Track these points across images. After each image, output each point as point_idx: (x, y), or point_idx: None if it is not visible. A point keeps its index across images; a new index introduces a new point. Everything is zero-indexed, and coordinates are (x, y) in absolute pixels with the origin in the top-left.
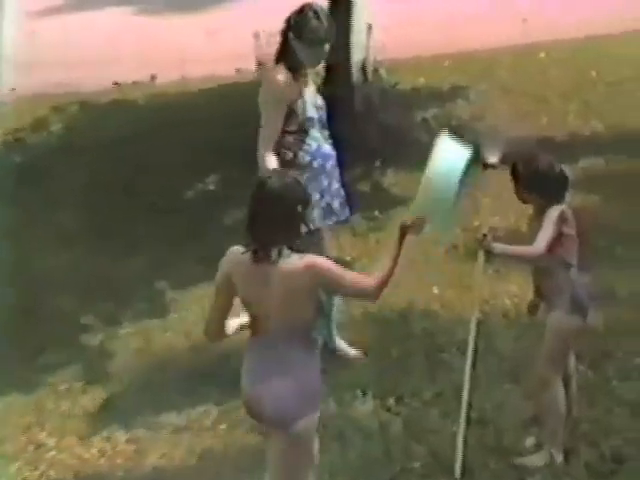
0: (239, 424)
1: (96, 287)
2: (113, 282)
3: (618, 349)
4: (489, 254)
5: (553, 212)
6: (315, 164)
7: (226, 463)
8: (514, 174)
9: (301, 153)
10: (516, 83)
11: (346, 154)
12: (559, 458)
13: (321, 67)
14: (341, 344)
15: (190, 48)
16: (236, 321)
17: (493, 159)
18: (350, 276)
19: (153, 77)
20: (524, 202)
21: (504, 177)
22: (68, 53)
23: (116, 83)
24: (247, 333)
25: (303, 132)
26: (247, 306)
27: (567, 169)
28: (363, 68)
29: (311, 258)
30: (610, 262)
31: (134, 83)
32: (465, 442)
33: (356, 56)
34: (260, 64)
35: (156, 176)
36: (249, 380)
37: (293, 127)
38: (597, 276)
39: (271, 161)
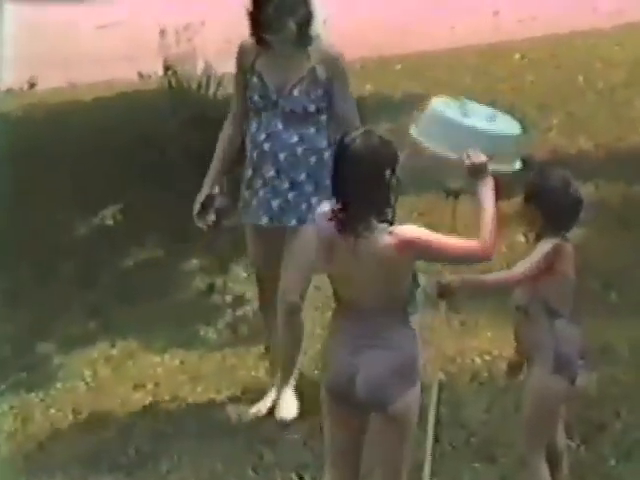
0: None
1: None
2: None
3: (616, 420)
4: (449, 296)
5: (548, 242)
6: (255, 153)
7: None
8: (525, 188)
9: (247, 137)
10: (484, 91)
11: None
12: None
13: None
14: None
15: (78, 46)
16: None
17: (456, 184)
18: (453, 242)
19: (32, 84)
20: (528, 227)
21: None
22: None
23: None
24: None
25: (255, 112)
26: (332, 279)
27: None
28: None
29: (404, 232)
30: (604, 310)
31: (8, 91)
32: None
33: None
34: (168, 67)
35: (38, 210)
36: (339, 358)
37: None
38: (588, 328)
39: (220, 139)
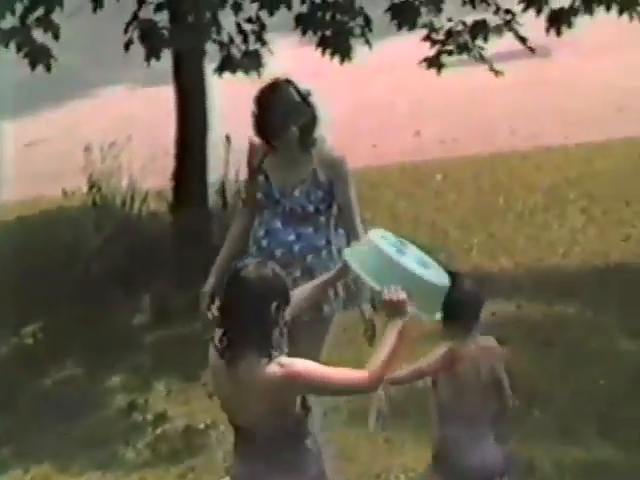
0: None
1: None
2: None
3: None
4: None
5: (445, 344)
6: (254, 248)
7: None
8: None
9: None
10: (407, 209)
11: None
12: None
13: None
14: None
15: (7, 163)
16: None
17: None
18: (338, 375)
19: None
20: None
21: None
22: None
23: None
24: None
25: (257, 209)
26: (224, 408)
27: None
28: (222, 190)
29: (289, 366)
30: (528, 428)
31: None
32: None
33: (213, 175)
34: (93, 185)
35: None
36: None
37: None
38: (513, 445)
39: (231, 231)
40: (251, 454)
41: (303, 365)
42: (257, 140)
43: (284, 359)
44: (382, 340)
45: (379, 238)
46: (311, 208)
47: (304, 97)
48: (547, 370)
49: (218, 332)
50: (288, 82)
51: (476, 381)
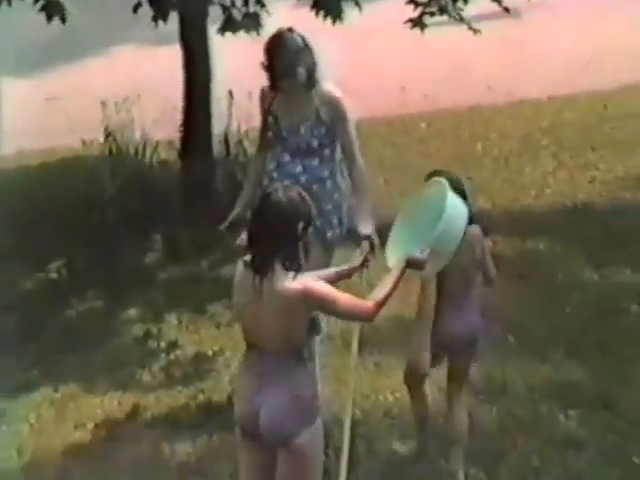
0: None
1: None
2: None
3: (512, 449)
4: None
5: None
6: (266, 180)
7: None
8: None
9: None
10: (394, 156)
11: (206, 234)
12: (428, 450)
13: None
14: None
15: (27, 117)
16: None
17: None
18: (345, 300)
19: None
20: None
21: None
22: None
23: None
24: None
25: (270, 146)
26: (240, 317)
27: None
28: (225, 140)
29: (306, 282)
30: (502, 353)
31: None
32: None
33: (217, 127)
34: (109, 135)
35: None
36: (244, 396)
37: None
38: (490, 367)
39: (251, 167)
40: (258, 368)
41: (319, 285)
42: (267, 87)
43: (305, 276)
44: (385, 278)
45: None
46: (315, 143)
47: (306, 43)
48: (520, 300)
49: (249, 250)
50: (291, 30)
51: (456, 261)
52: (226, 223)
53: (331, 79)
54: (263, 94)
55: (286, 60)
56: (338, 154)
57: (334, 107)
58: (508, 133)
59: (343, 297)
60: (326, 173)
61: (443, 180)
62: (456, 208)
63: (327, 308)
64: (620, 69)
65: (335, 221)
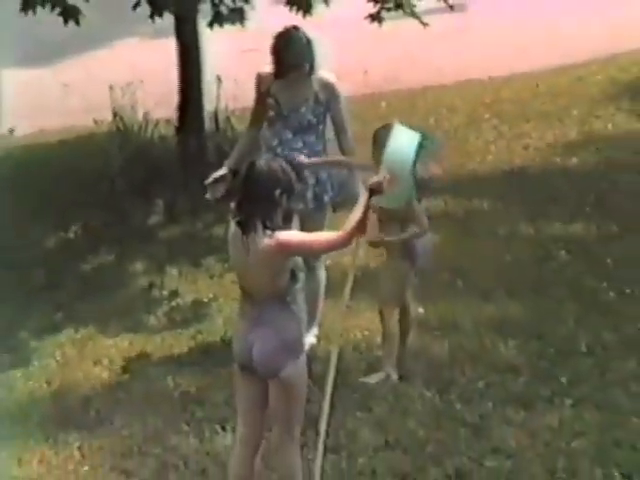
0: (101, 465)
1: None
2: None
3: (461, 376)
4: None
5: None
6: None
7: None
8: None
9: (265, 142)
10: (358, 129)
11: (199, 199)
12: (394, 376)
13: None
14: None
15: (47, 101)
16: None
17: None
18: (318, 239)
19: (11, 130)
20: None
21: None
22: None
23: None
24: None
25: (269, 124)
26: (234, 268)
27: None
28: (215, 118)
29: (282, 236)
30: (453, 294)
31: None
32: (322, 469)
33: (208, 106)
34: (117, 114)
35: (17, 228)
36: (240, 336)
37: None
38: (441, 307)
39: (241, 138)
40: (250, 312)
41: (291, 235)
42: (263, 73)
43: (279, 233)
44: (354, 208)
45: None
46: (314, 120)
47: (308, 39)
48: (467, 250)
49: (236, 212)
50: (297, 28)
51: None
52: (210, 179)
53: (325, 66)
54: (260, 79)
55: (295, 54)
56: (328, 131)
57: (330, 90)
58: (456, 109)
59: (315, 237)
60: (320, 147)
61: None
62: (403, 133)
63: (306, 251)
64: (549, 54)
65: (329, 187)
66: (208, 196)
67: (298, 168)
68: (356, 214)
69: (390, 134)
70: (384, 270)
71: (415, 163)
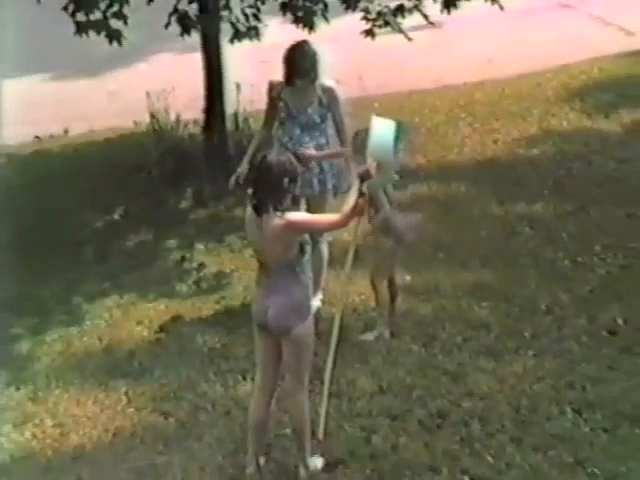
0: (144, 408)
1: (23, 304)
2: (38, 300)
3: (442, 332)
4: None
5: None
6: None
7: (134, 438)
8: None
9: (277, 139)
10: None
11: (222, 186)
12: (386, 334)
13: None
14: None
15: (96, 106)
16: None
17: None
18: (321, 219)
19: (66, 130)
20: None
21: None
22: None
23: (37, 137)
24: None
25: (280, 124)
26: (251, 244)
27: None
28: (235, 119)
29: (291, 216)
30: (435, 264)
31: (51, 136)
32: (326, 411)
33: (229, 109)
34: (153, 116)
35: (71, 211)
36: (257, 300)
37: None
38: (426, 275)
39: (255, 138)
40: (265, 281)
41: (298, 216)
42: (274, 81)
43: (288, 214)
44: (349, 196)
45: (382, 127)
46: (319, 119)
47: (315, 51)
48: (448, 227)
49: (252, 197)
50: (306, 42)
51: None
52: (232, 181)
53: (327, 73)
54: (271, 86)
55: (305, 65)
56: (330, 128)
57: (331, 94)
58: (436, 109)
59: (317, 218)
60: (324, 141)
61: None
62: (381, 128)
63: (310, 230)
64: (513, 64)
65: (330, 175)
66: (230, 185)
67: (305, 160)
68: (351, 199)
69: (370, 127)
70: (373, 246)
71: (396, 148)
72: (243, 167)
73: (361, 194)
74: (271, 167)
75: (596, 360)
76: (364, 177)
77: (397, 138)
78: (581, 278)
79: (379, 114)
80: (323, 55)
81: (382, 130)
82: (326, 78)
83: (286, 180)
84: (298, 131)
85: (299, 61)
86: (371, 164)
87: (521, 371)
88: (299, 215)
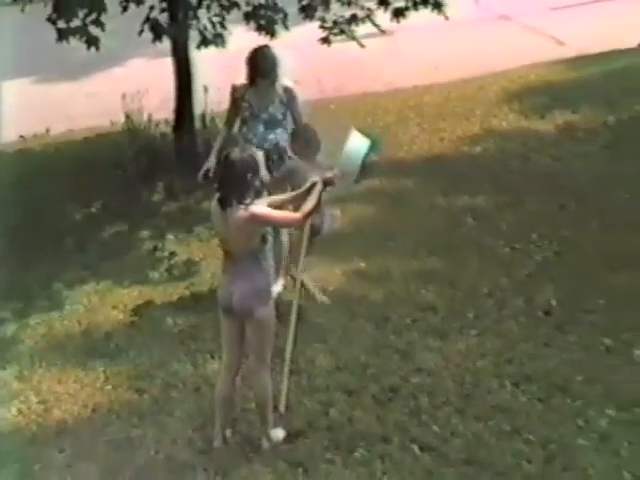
0: (120, 386)
1: (8, 291)
2: (21, 287)
3: (394, 313)
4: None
5: None
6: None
7: (111, 413)
8: None
9: (242, 136)
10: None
11: (193, 182)
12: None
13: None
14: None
15: (75, 107)
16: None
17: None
18: (280, 215)
19: (48, 130)
20: None
21: None
22: None
23: (21, 136)
24: None
25: (244, 122)
26: (217, 234)
27: None
28: (202, 119)
29: (253, 209)
30: (386, 252)
31: (34, 136)
32: (287, 387)
33: (197, 110)
34: (128, 117)
35: (52, 204)
36: (223, 286)
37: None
38: (377, 262)
39: (219, 135)
40: (231, 268)
41: (261, 209)
42: (237, 84)
43: (252, 207)
44: (309, 197)
45: (358, 143)
46: (280, 116)
47: (275, 54)
48: (397, 219)
49: (217, 192)
50: (267, 47)
51: None
52: (200, 175)
53: (286, 76)
54: (234, 89)
55: (266, 67)
56: (289, 124)
57: (290, 93)
58: (388, 110)
59: (279, 214)
60: (285, 136)
61: (354, 131)
62: (356, 143)
63: (270, 223)
64: (458, 69)
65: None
66: (199, 178)
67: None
68: (311, 201)
69: (347, 139)
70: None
71: (363, 163)
72: (210, 162)
73: (320, 197)
74: (234, 163)
75: (533, 338)
76: (328, 183)
77: (367, 155)
78: (519, 263)
79: (335, 114)
80: (282, 58)
81: (356, 145)
82: (285, 79)
83: (249, 175)
84: (262, 128)
85: (261, 63)
86: (336, 173)
87: (465, 349)
88: (262, 209)
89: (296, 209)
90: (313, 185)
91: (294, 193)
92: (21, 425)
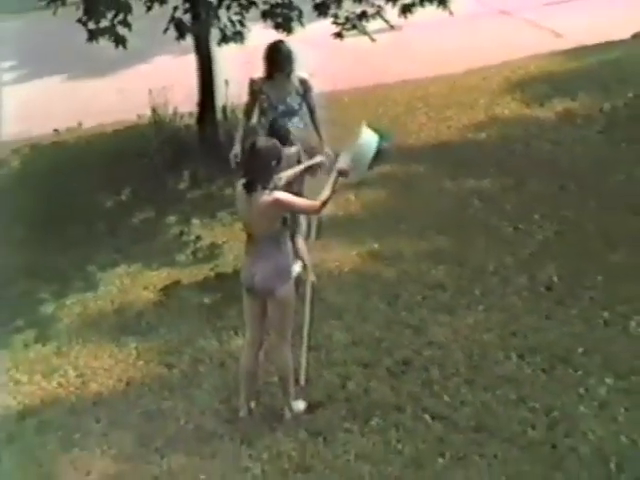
0: (152, 361)
1: (47, 273)
2: (58, 269)
3: (405, 291)
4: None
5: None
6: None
7: (143, 386)
8: None
9: (261, 126)
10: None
11: (215, 170)
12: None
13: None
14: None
15: (105, 102)
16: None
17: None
18: (300, 202)
19: (80, 124)
20: None
21: None
22: (22, 111)
23: (55, 130)
24: None
25: (263, 113)
26: (241, 218)
27: None
28: (224, 111)
29: (275, 195)
30: (398, 234)
31: (67, 129)
32: (307, 361)
33: (219, 102)
34: (154, 110)
35: (85, 193)
36: (246, 266)
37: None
38: (390, 243)
39: (240, 125)
40: (253, 250)
41: (284, 195)
42: (255, 78)
43: (276, 192)
44: (325, 186)
45: (369, 138)
46: (297, 107)
47: (291, 49)
48: (408, 202)
49: (243, 177)
50: (282, 42)
51: None
52: (232, 162)
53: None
54: (253, 82)
55: (282, 61)
56: (305, 114)
57: (305, 84)
58: (398, 101)
59: (299, 201)
60: (302, 125)
61: (364, 126)
62: (369, 137)
63: (291, 209)
64: (463, 60)
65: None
66: (232, 163)
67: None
68: (327, 190)
69: (358, 135)
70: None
71: (373, 158)
72: (236, 149)
73: (335, 187)
74: (260, 151)
75: (536, 312)
76: (342, 174)
77: (377, 148)
78: (522, 243)
79: (348, 105)
80: (297, 53)
81: (366, 140)
82: (301, 71)
83: (273, 162)
84: (276, 116)
85: (277, 57)
86: (350, 165)
87: (472, 323)
88: (285, 195)
89: (288, 186)
90: (317, 165)
91: (297, 169)
92: (61, 396)
